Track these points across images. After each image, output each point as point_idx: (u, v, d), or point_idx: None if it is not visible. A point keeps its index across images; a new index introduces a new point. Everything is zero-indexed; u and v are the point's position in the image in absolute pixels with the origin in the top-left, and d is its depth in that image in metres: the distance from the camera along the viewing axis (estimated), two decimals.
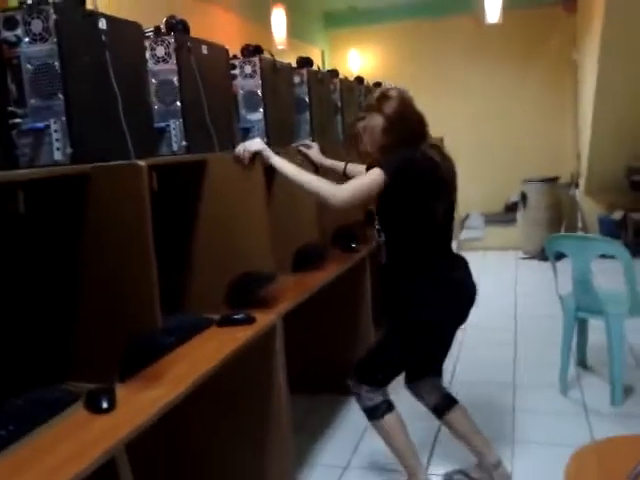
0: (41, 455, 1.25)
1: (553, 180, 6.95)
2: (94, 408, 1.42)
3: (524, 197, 6.89)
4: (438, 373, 2.45)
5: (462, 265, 2.28)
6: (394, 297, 2.26)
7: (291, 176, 2.17)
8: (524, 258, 6.78)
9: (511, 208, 7.35)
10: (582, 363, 3.58)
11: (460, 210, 7.44)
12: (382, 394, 2.24)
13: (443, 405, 2.41)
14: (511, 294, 5.35)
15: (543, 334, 4.16)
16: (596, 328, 3.40)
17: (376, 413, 2.23)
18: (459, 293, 2.23)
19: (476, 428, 2.42)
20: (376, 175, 2.05)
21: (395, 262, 2.23)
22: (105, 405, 1.42)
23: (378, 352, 2.34)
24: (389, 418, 2.24)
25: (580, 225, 6.96)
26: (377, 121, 2.14)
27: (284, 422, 2.15)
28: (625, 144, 6.16)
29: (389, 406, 2.25)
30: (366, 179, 2.09)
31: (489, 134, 7.46)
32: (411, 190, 2.10)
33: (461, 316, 2.29)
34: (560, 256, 3.31)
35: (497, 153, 7.47)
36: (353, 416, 3.13)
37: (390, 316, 2.28)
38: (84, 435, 1.33)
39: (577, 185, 7.10)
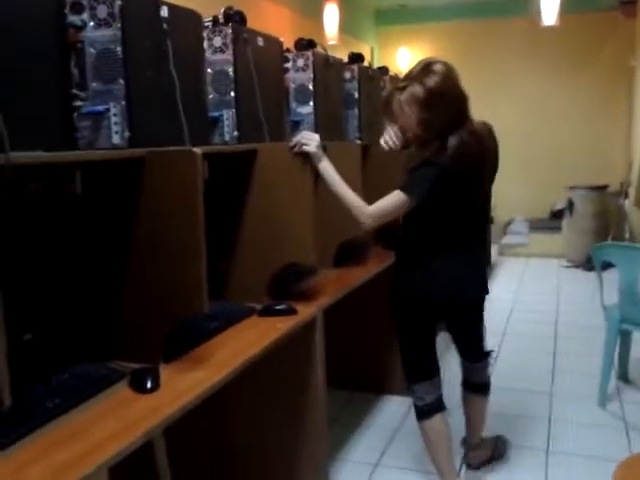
0: (83, 431, 1.28)
1: (602, 188, 6.79)
2: (138, 387, 1.45)
3: (571, 204, 6.75)
4: (435, 374, 2.31)
5: (463, 259, 2.20)
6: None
7: (329, 185, 2.18)
8: (568, 267, 6.65)
9: (557, 215, 7.21)
10: (623, 377, 3.49)
11: (504, 215, 7.35)
12: (434, 394, 2.25)
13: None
14: (553, 302, 5.25)
15: (584, 345, 4.07)
16: (639, 342, 3.32)
17: (421, 412, 2.26)
18: (428, 288, 2.17)
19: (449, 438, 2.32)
20: (401, 201, 2.03)
21: (399, 256, 2.27)
22: (149, 385, 1.45)
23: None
24: (434, 419, 2.24)
25: (627, 236, 6.78)
26: (417, 93, 2.00)
27: (320, 414, 2.16)
28: None
29: (437, 407, 2.25)
30: (391, 203, 2.06)
31: (538, 139, 7.33)
32: (435, 202, 2.07)
33: (431, 311, 2.22)
34: (605, 266, 3.24)
35: (545, 158, 7.34)
36: (386, 415, 3.14)
37: None
38: (127, 414, 1.36)
39: (626, 195, 6.91)
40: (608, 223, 6.75)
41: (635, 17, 6.80)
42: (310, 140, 2.17)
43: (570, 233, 6.82)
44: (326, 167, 2.19)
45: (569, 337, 4.31)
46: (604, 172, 7.18)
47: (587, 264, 6.16)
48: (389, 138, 2.31)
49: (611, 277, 3.19)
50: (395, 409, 3.20)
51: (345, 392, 3.32)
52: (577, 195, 6.74)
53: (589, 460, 2.65)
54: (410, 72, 2.08)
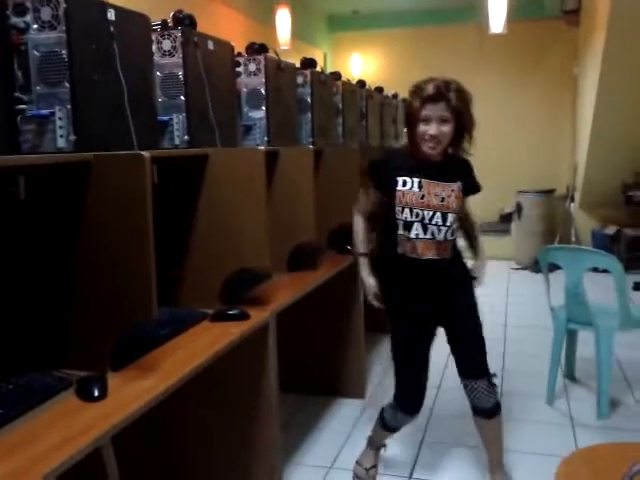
0: (29, 441, 1.25)
1: (549, 192, 6.99)
2: (85, 396, 1.43)
3: (519, 208, 6.93)
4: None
5: None
6: (458, 287, 2.34)
7: None
8: (516, 269, 6.82)
9: (506, 218, 7.39)
10: (570, 375, 3.60)
11: None
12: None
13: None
14: (502, 304, 5.38)
15: (532, 345, 4.18)
16: (585, 341, 3.43)
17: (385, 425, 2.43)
18: None
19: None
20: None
21: (454, 255, 2.32)
22: (96, 393, 1.42)
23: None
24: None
25: (574, 238, 7.00)
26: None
27: (273, 419, 2.16)
28: (622, 160, 6.21)
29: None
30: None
31: (487, 144, 7.44)
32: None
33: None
34: (553, 268, 3.33)
35: (494, 163, 7.49)
36: (339, 418, 3.15)
37: (457, 304, 2.34)
38: (74, 422, 1.33)
39: (572, 198, 7.14)
40: (555, 226, 6.96)
41: (577, 26, 7.04)
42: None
43: (519, 236, 7.00)
44: None
45: (518, 337, 4.42)
46: (551, 176, 7.40)
47: (535, 266, 6.33)
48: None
49: (558, 278, 3.28)
50: (348, 412, 3.21)
51: (298, 396, 3.32)
52: (525, 199, 6.92)
53: (537, 457, 2.72)
54: (452, 100, 2.18)
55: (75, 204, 1.57)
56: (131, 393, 1.46)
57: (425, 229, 2.21)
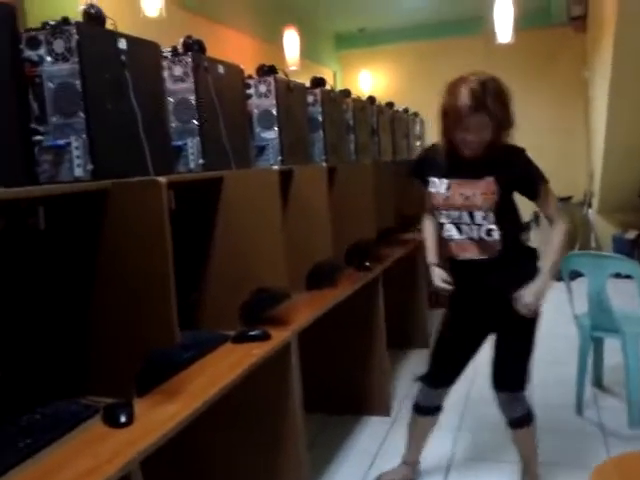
0: (57, 469, 1.25)
1: (566, 199, 6.93)
2: (112, 422, 1.43)
3: (537, 217, 6.86)
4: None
5: None
6: (512, 286, 2.19)
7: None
8: None
9: (524, 228, 7.32)
10: (598, 383, 3.54)
11: None
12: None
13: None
14: None
15: (558, 354, 4.11)
16: (612, 348, 3.36)
17: (416, 407, 2.49)
18: None
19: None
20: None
21: (510, 253, 2.21)
22: (123, 419, 1.42)
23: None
24: (425, 418, 2.50)
25: (594, 245, 6.92)
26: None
27: (299, 440, 2.14)
28: (638, 162, 6.14)
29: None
30: (554, 196, 2.28)
31: None
32: None
33: None
34: (574, 276, 3.29)
35: None
36: (366, 437, 3.11)
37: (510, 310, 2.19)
38: (101, 449, 1.33)
39: (590, 204, 7.07)
40: (574, 233, 6.88)
41: (585, 32, 7.03)
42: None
43: (538, 245, 6.92)
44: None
45: (543, 347, 4.33)
46: (567, 183, 7.33)
47: (557, 275, 6.25)
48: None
49: (580, 286, 3.24)
50: (375, 430, 3.18)
51: (322, 416, 3.29)
52: None
53: (568, 469, 2.66)
54: (481, 95, 2.12)
55: (94, 232, 1.59)
56: (157, 418, 1.45)
57: (459, 229, 2.21)
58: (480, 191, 2.15)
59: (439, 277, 2.30)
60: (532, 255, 2.28)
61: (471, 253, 2.21)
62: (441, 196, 2.22)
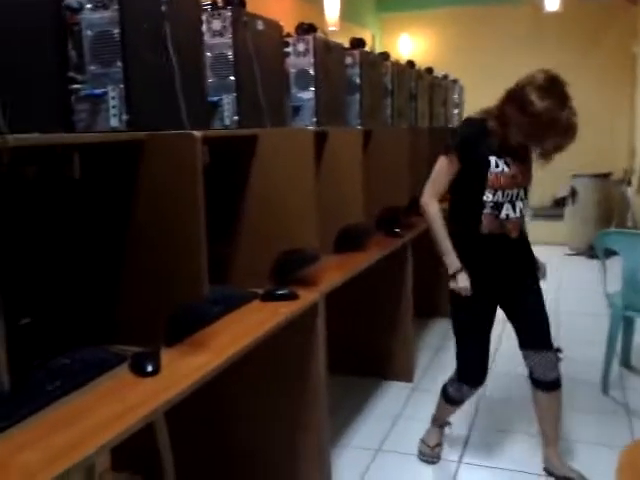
0: (83, 414, 1.27)
1: (605, 176, 6.76)
2: (139, 371, 1.45)
3: (574, 192, 6.73)
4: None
5: None
6: (528, 264, 2.37)
7: None
8: (570, 254, 6.64)
9: (559, 203, 7.18)
10: (626, 363, 3.49)
11: None
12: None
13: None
14: (555, 290, 5.24)
15: (586, 332, 4.07)
16: None
17: (449, 399, 2.48)
18: None
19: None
20: None
21: (524, 235, 2.34)
22: (150, 369, 1.44)
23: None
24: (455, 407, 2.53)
25: (630, 224, 6.76)
26: None
27: (321, 401, 2.16)
28: None
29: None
30: None
31: None
32: None
33: None
34: (608, 254, 3.22)
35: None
36: (387, 401, 3.14)
37: (525, 279, 2.36)
38: (127, 397, 1.35)
39: (629, 182, 6.88)
40: (611, 211, 6.73)
41: (637, 4, 6.75)
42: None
43: (573, 221, 6.80)
44: None
45: (572, 325, 4.30)
46: (607, 160, 7.14)
47: (590, 252, 6.14)
48: None
49: (614, 265, 3.18)
50: (396, 394, 3.20)
51: (346, 377, 3.31)
52: (580, 183, 6.71)
53: (594, 447, 2.65)
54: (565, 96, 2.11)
55: (129, 183, 1.59)
56: (184, 369, 1.47)
57: (514, 208, 2.25)
58: (526, 169, 2.27)
59: (466, 281, 2.24)
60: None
61: (517, 232, 2.28)
62: (506, 175, 2.21)
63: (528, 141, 2.16)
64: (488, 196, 2.20)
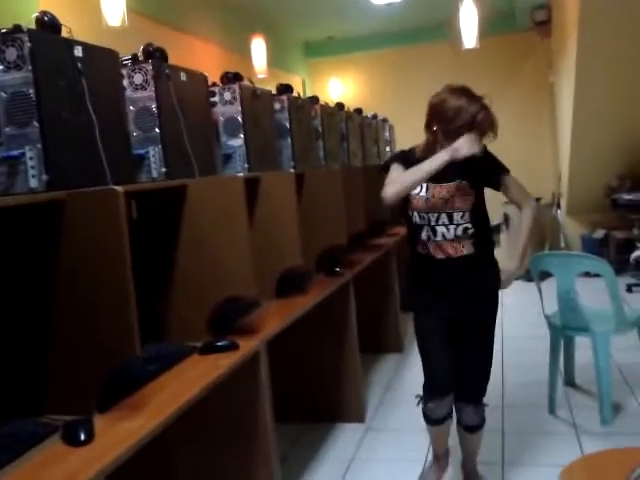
0: None
1: (535, 201, 6.99)
2: (71, 441, 1.38)
3: (506, 218, 6.93)
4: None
5: None
6: (480, 288, 2.34)
7: None
8: None
9: (494, 230, 7.38)
10: (570, 382, 3.56)
11: None
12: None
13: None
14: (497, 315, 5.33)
15: (530, 354, 4.14)
16: (583, 347, 3.39)
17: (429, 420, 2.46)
18: None
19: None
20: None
21: (481, 254, 2.32)
22: (83, 437, 1.37)
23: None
24: (442, 426, 2.48)
25: (563, 245, 7.00)
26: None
27: (271, 451, 2.10)
28: (604, 163, 6.24)
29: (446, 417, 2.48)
30: (515, 180, 2.47)
31: None
32: None
33: None
34: (544, 276, 3.31)
35: None
36: (340, 445, 3.09)
37: (474, 310, 2.36)
38: (61, 469, 1.29)
39: (559, 205, 7.16)
40: (544, 234, 6.95)
41: (550, 36, 7.13)
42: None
43: (508, 246, 6.98)
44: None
45: (515, 348, 4.38)
46: (536, 185, 7.34)
47: (527, 275, 6.30)
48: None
49: (551, 286, 3.26)
50: (349, 437, 3.15)
51: (296, 425, 3.24)
52: (512, 209, 6.91)
53: (543, 468, 2.67)
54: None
55: (52, 243, 1.54)
56: (118, 435, 1.41)
57: (434, 232, 2.27)
58: (459, 193, 2.25)
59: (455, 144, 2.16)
60: (495, 262, 2.41)
61: (445, 253, 2.28)
62: (422, 199, 2.26)
63: (448, 139, 2.19)
64: (412, 217, 2.31)
